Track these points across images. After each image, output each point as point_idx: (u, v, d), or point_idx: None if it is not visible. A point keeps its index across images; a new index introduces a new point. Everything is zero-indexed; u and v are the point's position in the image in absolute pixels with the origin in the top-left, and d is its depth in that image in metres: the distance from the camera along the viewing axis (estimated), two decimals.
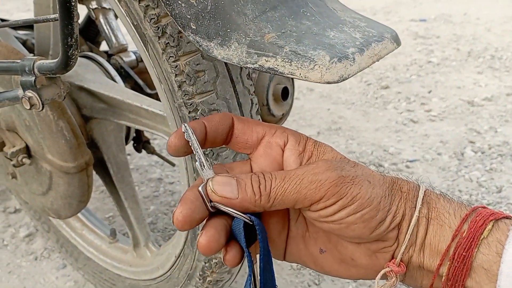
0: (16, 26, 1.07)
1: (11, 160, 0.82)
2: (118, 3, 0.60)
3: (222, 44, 0.49)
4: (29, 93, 0.59)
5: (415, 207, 0.41)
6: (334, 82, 0.47)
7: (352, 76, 0.48)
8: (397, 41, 0.55)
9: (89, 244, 1.12)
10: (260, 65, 0.48)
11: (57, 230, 1.18)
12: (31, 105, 0.59)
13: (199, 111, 0.63)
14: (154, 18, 0.58)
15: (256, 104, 0.71)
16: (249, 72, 0.68)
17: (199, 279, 0.83)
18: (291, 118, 2.04)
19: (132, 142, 1.14)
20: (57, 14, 0.51)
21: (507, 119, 1.92)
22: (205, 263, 0.80)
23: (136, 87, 1.01)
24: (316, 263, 0.45)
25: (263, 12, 0.50)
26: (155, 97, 1.00)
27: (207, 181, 0.39)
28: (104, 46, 1.26)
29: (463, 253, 0.39)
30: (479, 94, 2.14)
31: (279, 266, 1.24)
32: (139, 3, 0.58)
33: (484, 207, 0.41)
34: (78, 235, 1.14)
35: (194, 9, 0.49)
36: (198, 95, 0.62)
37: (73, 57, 0.54)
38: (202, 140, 0.42)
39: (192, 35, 0.50)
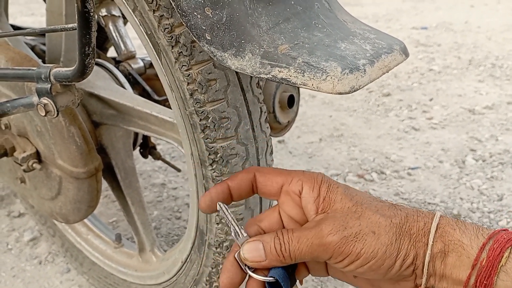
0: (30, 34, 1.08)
1: (22, 165, 0.83)
2: (132, 13, 0.62)
3: (236, 55, 0.51)
4: (45, 100, 0.60)
5: (427, 245, 0.43)
6: (346, 93, 0.48)
7: (363, 87, 0.49)
8: (405, 53, 0.56)
9: (95, 249, 1.13)
10: (273, 76, 0.49)
11: (62, 234, 1.18)
12: (46, 112, 0.60)
13: (210, 118, 0.64)
14: (168, 28, 0.59)
15: (265, 112, 0.72)
16: (258, 81, 0.70)
17: (206, 285, 0.84)
18: (293, 124, 2.05)
19: (138, 147, 1.15)
20: (75, 24, 0.53)
21: (508, 127, 1.94)
22: (212, 268, 0.81)
23: (144, 94, 1.02)
24: (354, 283, 0.49)
25: (276, 24, 0.52)
26: (163, 103, 1.01)
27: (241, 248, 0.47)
28: (110, 53, 1.27)
29: (484, 282, 0.41)
30: (480, 102, 2.16)
31: None
32: (154, 13, 0.59)
33: (503, 230, 0.43)
34: (84, 240, 1.15)
35: (209, 21, 0.51)
36: (210, 103, 0.63)
37: (90, 65, 0.55)
38: (228, 198, 0.50)
39: (207, 45, 0.51)
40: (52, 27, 0.56)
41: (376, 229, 0.43)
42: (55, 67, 0.60)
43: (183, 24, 0.57)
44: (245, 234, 0.47)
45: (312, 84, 0.48)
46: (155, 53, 0.63)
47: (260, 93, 0.70)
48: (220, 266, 0.80)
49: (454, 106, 2.15)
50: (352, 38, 0.54)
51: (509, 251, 0.40)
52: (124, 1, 0.61)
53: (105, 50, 1.22)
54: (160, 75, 0.66)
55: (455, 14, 3.55)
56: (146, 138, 1.13)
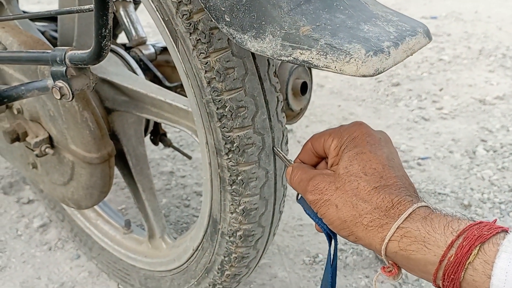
0: (41, 17, 1.07)
1: (34, 150, 0.82)
2: None
3: (256, 37, 0.50)
4: (60, 83, 0.59)
5: (384, 241, 0.46)
6: (370, 76, 0.47)
7: (387, 69, 0.48)
8: (429, 36, 0.55)
9: (104, 234, 1.13)
10: (294, 58, 0.48)
11: (72, 219, 1.18)
12: (62, 95, 0.60)
13: (227, 107, 0.62)
14: (186, 14, 0.57)
15: (281, 101, 0.71)
16: (275, 69, 0.68)
17: (217, 273, 0.83)
18: None
19: (149, 134, 1.14)
20: (92, 5, 0.51)
21: None
22: (225, 257, 0.80)
23: (155, 80, 1.01)
24: None
25: (298, 5, 0.50)
26: (174, 90, 1.00)
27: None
28: (120, 39, 1.26)
29: (452, 276, 0.41)
30: (491, 93, 2.13)
31: (291, 261, 1.25)
32: None
33: (476, 224, 0.42)
34: (93, 225, 1.15)
35: (229, 1, 0.50)
36: (227, 92, 0.62)
37: (106, 48, 0.54)
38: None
39: (226, 27, 0.50)
40: (67, 8, 0.55)
41: (341, 205, 0.49)
42: (70, 50, 0.59)
43: (202, 9, 0.56)
44: (292, 163, 0.62)
45: (335, 67, 0.47)
46: (171, 40, 0.61)
47: (277, 82, 0.69)
48: (233, 255, 0.80)
49: (465, 96, 2.13)
50: (375, 20, 0.53)
51: (477, 248, 0.40)
52: None
53: (115, 36, 1.21)
54: (176, 62, 0.64)
55: (464, 3, 3.51)
56: (157, 125, 1.13)
